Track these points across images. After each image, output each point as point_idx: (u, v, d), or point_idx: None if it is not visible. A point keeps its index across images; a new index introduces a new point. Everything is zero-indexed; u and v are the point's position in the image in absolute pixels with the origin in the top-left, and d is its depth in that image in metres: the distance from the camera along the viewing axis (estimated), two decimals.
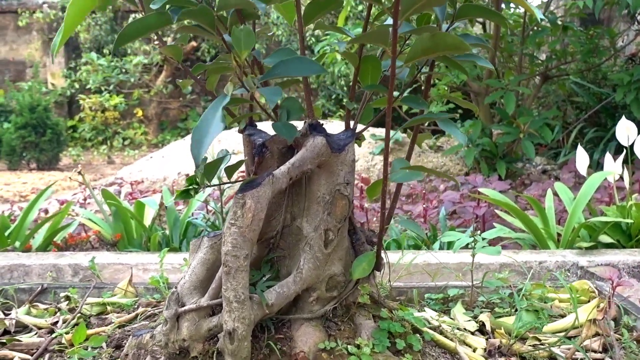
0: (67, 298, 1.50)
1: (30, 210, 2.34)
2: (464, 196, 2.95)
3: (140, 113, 8.92)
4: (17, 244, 2.28)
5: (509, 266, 1.89)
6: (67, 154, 7.83)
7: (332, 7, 0.95)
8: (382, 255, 1.13)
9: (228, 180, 0.97)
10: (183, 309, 0.98)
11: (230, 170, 0.95)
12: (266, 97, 0.74)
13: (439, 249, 2.11)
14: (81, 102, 8.50)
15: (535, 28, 4.18)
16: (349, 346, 0.99)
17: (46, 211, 3.22)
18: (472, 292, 1.48)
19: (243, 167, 1.17)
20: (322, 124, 1.02)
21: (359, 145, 1.17)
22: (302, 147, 0.98)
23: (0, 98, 8.46)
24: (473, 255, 1.45)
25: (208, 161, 0.93)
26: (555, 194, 2.50)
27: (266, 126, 1.23)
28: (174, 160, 5.01)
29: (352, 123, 1.09)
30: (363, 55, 1.02)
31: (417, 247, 2.26)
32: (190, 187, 0.92)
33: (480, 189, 2.48)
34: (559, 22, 4.18)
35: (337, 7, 0.95)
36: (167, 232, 2.27)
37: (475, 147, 4.12)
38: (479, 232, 1.46)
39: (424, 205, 2.72)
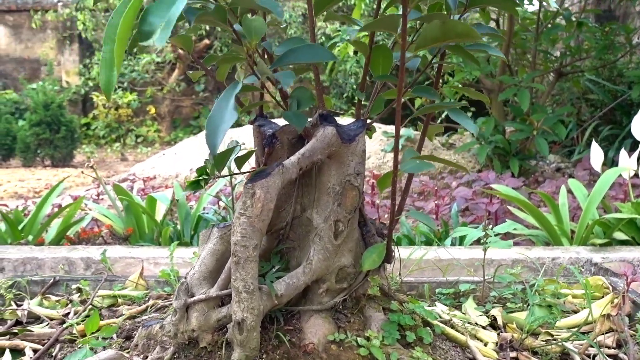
0: (79, 290, 1.51)
1: (43, 205, 2.35)
2: (476, 193, 2.93)
3: (153, 111, 8.97)
4: (30, 237, 2.30)
5: (522, 262, 1.87)
6: (81, 151, 7.89)
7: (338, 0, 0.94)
8: (393, 247, 1.12)
9: (238, 172, 0.97)
10: (192, 299, 0.98)
11: (240, 161, 0.95)
12: (281, 80, 0.74)
13: (451, 245, 2.09)
14: (95, 99, 8.57)
15: (550, 25, 4.14)
16: (358, 338, 0.98)
17: (59, 206, 3.24)
18: (483, 287, 1.47)
19: (253, 161, 1.17)
20: (332, 114, 1.01)
21: (370, 137, 1.16)
22: (312, 138, 0.97)
23: (14, 95, 8.54)
24: (485, 250, 1.43)
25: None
26: (569, 191, 2.48)
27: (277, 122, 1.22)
28: (186, 158, 5.03)
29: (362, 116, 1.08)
30: (374, 45, 1.01)
31: (428, 243, 2.25)
32: (201, 177, 0.92)
33: (492, 185, 2.45)
34: (574, 19, 4.14)
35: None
36: (179, 226, 2.28)
37: (488, 144, 4.09)
38: (490, 226, 1.44)
39: (436, 202, 2.70)
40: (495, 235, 1.46)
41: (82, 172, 3.26)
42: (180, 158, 5.12)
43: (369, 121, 1.08)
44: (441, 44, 0.83)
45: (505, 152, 4.13)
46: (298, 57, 0.80)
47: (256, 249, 0.91)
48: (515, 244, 2.47)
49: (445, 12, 1.03)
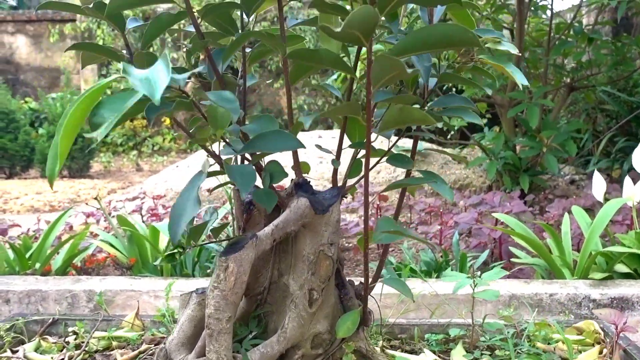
0: (75, 333, 1.54)
1: (50, 233, 2.40)
2: (482, 214, 2.92)
3: (167, 121, 9.07)
4: (38, 265, 2.35)
5: (519, 298, 1.87)
6: (98, 160, 8.01)
7: (315, 70, 0.96)
8: (382, 290, 1.13)
9: (213, 241, 0.99)
10: None
11: (216, 232, 0.97)
12: (238, 184, 0.75)
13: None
14: None
15: (563, 37, 4.10)
16: None
17: (71, 227, 3.31)
18: (472, 334, 1.47)
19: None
20: (309, 182, 1.03)
21: (352, 195, 1.17)
22: (286, 208, 0.99)
23: (35, 104, 8.70)
24: (473, 297, 1.44)
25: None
26: (569, 211, 2.46)
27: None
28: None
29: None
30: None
31: (429, 274, 2.25)
32: (176, 250, 0.94)
33: (496, 214, 2.45)
34: (586, 31, 4.09)
35: (318, 69, 0.96)
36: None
37: (497, 160, 4.07)
38: (479, 273, 1.45)
39: (440, 227, 2.70)
40: (484, 273, 1.45)
41: (87, 204, 3.32)
42: (193, 171, 5.16)
43: (348, 184, 1.09)
44: (403, 126, 0.85)
45: (516, 167, 4.11)
46: (265, 145, 0.82)
47: (230, 321, 0.93)
48: (519, 270, 2.46)
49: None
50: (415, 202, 3.45)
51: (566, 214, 2.43)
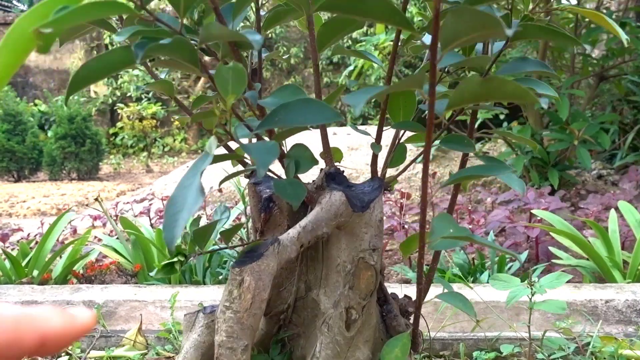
0: (68, 353, 1.35)
1: (47, 237, 2.22)
2: (513, 212, 2.70)
3: (177, 122, 8.90)
4: (35, 272, 2.16)
5: (571, 305, 1.65)
6: (108, 163, 7.85)
7: (349, 30, 0.75)
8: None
9: (224, 247, 0.78)
10: None
11: (227, 235, 0.77)
12: (256, 160, 0.55)
13: (488, 282, 1.88)
14: (119, 111, 8.53)
15: (592, 25, 3.86)
16: None
17: (75, 231, 3.13)
18: (529, 352, 1.25)
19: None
20: (343, 171, 0.82)
21: (391, 190, 0.96)
22: (316, 204, 0.78)
23: (44, 107, 8.58)
24: (530, 308, 1.22)
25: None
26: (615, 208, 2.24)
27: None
28: (208, 171, 4.89)
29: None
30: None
31: (464, 278, 2.04)
32: (176, 259, 0.74)
33: (535, 211, 2.22)
34: (614, 17, 3.85)
35: (355, 30, 0.75)
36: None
37: (524, 154, 3.84)
38: (536, 279, 1.23)
39: (470, 226, 2.48)
40: (543, 279, 1.24)
41: (87, 206, 3.14)
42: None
43: (389, 173, 0.88)
44: (482, 102, 0.63)
45: (544, 162, 3.87)
46: (290, 117, 0.61)
47: (246, 351, 0.72)
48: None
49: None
50: (439, 199, 3.23)
51: (612, 210, 2.20)
